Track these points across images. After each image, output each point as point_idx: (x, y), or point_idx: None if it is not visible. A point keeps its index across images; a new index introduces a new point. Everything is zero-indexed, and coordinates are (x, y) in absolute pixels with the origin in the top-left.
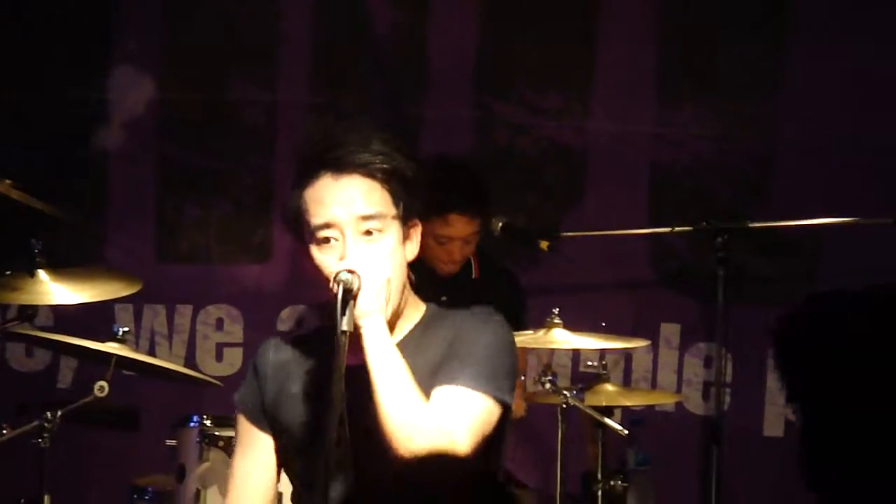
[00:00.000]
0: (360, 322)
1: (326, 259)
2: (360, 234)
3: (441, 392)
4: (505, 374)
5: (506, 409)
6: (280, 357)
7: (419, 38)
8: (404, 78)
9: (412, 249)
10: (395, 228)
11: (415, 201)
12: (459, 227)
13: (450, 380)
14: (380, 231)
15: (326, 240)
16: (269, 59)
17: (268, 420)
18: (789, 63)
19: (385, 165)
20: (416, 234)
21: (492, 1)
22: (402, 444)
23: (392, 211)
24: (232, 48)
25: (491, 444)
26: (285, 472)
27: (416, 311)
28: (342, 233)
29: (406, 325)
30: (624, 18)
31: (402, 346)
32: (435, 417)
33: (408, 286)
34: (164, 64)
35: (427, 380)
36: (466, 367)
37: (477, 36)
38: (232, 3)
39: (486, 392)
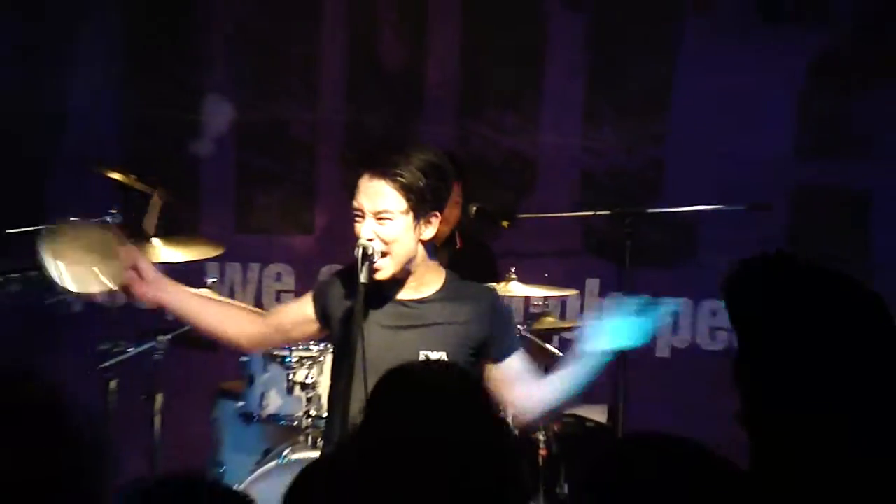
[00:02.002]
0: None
1: (357, 228)
2: (375, 218)
3: (515, 359)
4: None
5: None
6: (333, 289)
7: (419, 71)
8: (407, 102)
9: (428, 232)
10: (403, 219)
11: (430, 203)
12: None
13: (511, 350)
14: (389, 220)
15: (357, 215)
16: (312, 86)
17: (325, 320)
18: (678, 90)
19: (404, 180)
20: (435, 222)
21: (470, 46)
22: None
23: (402, 207)
24: (284, 79)
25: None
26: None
27: (438, 275)
28: (364, 215)
29: (433, 285)
30: (561, 58)
31: (434, 298)
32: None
33: (426, 258)
34: (238, 91)
35: (460, 325)
36: (512, 335)
37: (459, 71)
38: (283, 45)
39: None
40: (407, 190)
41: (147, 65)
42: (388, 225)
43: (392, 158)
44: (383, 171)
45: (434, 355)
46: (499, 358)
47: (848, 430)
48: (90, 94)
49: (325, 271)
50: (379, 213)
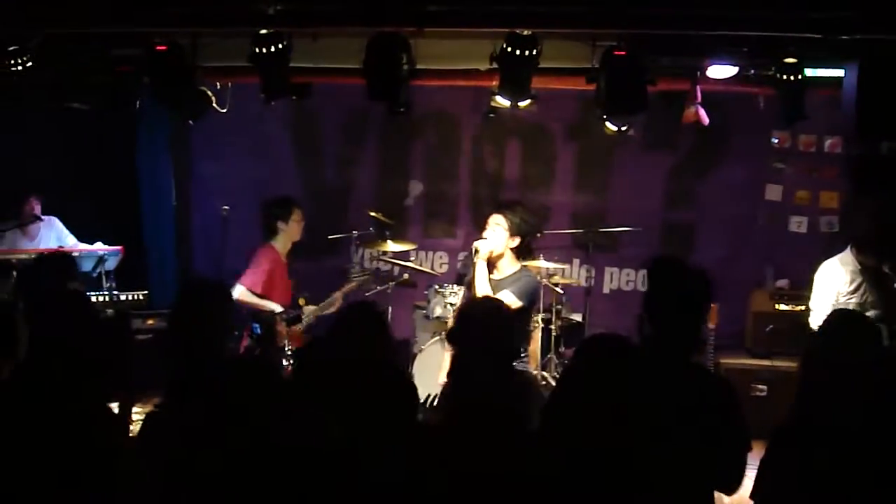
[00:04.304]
0: (476, 261)
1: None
2: (492, 230)
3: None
4: (524, 294)
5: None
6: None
7: (502, 173)
8: (497, 184)
9: (512, 243)
10: (505, 234)
11: (520, 230)
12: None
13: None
14: (493, 231)
15: (486, 228)
16: (456, 177)
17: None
18: (612, 181)
19: (509, 214)
20: (517, 239)
21: (523, 159)
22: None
23: (506, 226)
24: (445, 175)
25: (520, 314)
26: None
27: (515, 265)
28: (486, 227)
29: (509, 269)
30: (563, 163)
31: (503, 278)
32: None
33: (510, 253)
34: (426, 176)
35: (510, 283)
36: (517, 286)
37: (520, 171)
38: (445, 161)
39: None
40: (513, 222)
41: (386, 167)
42: (494, 234)
43: (512, 205)
44: (502, 211)
45: (504, 291)
46: (510, 292)
47: (671, 329)
48: (367, 178)
49: (462, 257)
50: (495, 225)
